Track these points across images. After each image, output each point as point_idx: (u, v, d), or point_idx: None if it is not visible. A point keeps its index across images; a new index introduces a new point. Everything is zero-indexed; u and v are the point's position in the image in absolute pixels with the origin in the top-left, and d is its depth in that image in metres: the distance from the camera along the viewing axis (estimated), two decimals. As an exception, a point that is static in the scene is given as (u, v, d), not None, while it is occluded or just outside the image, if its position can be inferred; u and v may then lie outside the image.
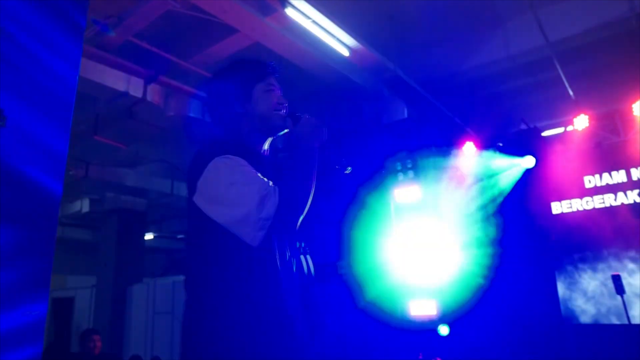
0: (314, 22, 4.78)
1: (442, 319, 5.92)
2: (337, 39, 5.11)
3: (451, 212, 6.35)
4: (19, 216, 2.39)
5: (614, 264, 5.35)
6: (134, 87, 5.44)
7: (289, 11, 4.57)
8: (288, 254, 1.60)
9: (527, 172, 6.08)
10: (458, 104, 6.90)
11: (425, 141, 6.47)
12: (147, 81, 5.43)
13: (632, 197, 5.48)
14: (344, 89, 6.38)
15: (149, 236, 11.93)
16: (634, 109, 5.48)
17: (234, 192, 1.46)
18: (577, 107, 6.47)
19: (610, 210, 5.58)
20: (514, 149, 6.14)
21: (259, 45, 5.50)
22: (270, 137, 1.74)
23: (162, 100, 5.78)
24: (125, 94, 5.43)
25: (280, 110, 1.71)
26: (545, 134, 6.20)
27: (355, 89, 6.27)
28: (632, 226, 5.15)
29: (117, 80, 5.31)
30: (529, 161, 6.09)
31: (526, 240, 5.88)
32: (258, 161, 1.59)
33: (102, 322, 10.65)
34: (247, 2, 4.71)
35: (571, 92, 6.43)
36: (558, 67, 6.07)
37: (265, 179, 1.49)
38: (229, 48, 5.84)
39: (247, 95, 1.71)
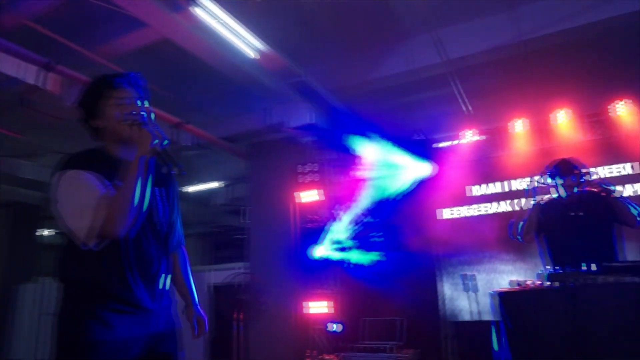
0: (221, 22, 4.82)
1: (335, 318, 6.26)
2: (245, 41, 5.18)
3: (349, 213, 6.66)
4: None
5: (488, 266, 5.90)
6: (29, 74, 5.17)
7: (196, 10, 4.59)
8: (143, 255, 1.77)
9: (420, 179, 6.51)
10: (366, 111, 7.21)
11: (330, 146, 6.74)
12: (44, 69, 5.18)
13: (503, 207, 6.10)
14: (254, 90, 6.47)
15: (44, 232, 11.25)
16: (510, 127, 6.05)
17: (66, 207, 1.65)
18: (471, 121, 7.02)
19: (488, 218, 6.13)
20: (411, 157, 6.55)
21: (168, 41, 5.46)
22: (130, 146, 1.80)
23: (62, 90, 5.53)
24: (18, 81, 5.15)
25: (128, 120, 1.78)
26: (439, 145, 6.66)
27: (264, 91, 6.38)
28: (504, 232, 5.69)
29: (9, 65, 5.02)
30: (423, 169, 6.52)
31: (414, 243, 6.31)
32: (116, 171, 1.73)
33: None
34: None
35: (464, 108, 6.95)
36: (453, 84, 6.53)
37: (99, 191, 1.65)
38: (137, 41, 5.73)
39: (97, 112, 1.85)
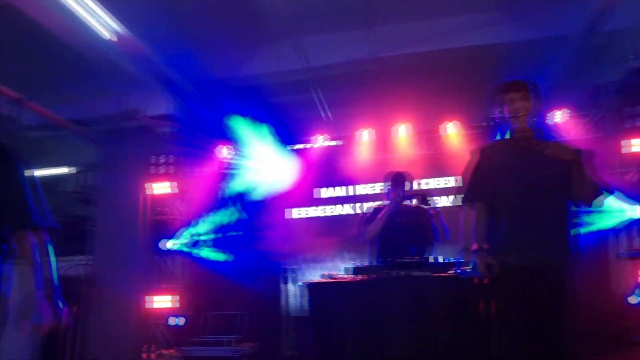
0: (72, -5, 4.57)
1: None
2: (99, 20, 4.95)
3: (206, 209, 6.67)
4: None
5: (331, 264, 6.28)
6: None
7: (42, -23, 4.30)
8: None
9: (273, 180, 6.75)
10: (230, 108, 7.24)
11: (189, 138, 6.68)
12: None
13: (347, 209, 6.58)
14: (110, 73, 6.17)
15: None
16: (357, 136, 6.54)
17: None
18: (329, 128, 7.40)
19: (333, 219, 6.55)
20: (267, 156, 6.75)
21: (12, 7, 5.02)
22: None
23: None
24: None
25: None
26: (294, 147, 6.94)
27: (122, 75, 6.12)
28: (346, 233, 6.13)
29: None
30: (277, 169, 6.76)
31: (263, 240, 6.53)
32: None
33: None
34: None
35: (323, 115, 7.31)
36: (313, 90, 6.85)
37: None
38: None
39: None
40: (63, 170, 10.05)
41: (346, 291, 2.99)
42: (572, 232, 2.34)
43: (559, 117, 5.95)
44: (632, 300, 5.42)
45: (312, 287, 3.12)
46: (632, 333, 5.45)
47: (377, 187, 6.45)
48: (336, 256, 6.30)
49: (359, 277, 3.05)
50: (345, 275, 3.18)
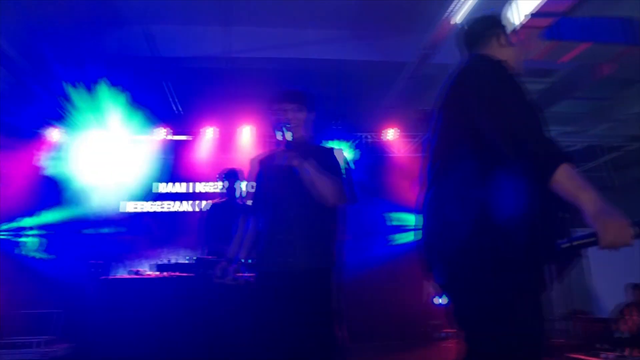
0: None
1: None
2: None
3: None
4: None
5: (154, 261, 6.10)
6: None
7: None
8: None
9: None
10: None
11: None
12: None
13: (186, 206, 6.45)
14: None
15: None
16: (202, 133, 6.47)
17: None
18: (178, 121, 7.18)
19: (171, 215, 6.36)
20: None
21: None
22: None
23: None
24: None
25: None
26: (136, 137, 6.61)
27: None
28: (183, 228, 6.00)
29: None
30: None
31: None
32: None
33: None
34: None
35: (174, 107, 7.07)
36: (164, 83, 6.61)
37: None
38: None
39: None
40: None
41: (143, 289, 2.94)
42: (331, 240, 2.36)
43: (390, 135, 6.48)
44: (437, 301, 6.15)
45: (101, 283, 3.01)
46: (437, 330, 6.19)
47: (218, 186, 6.42)
48: (170, 252, 6.10)
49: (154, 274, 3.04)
50: (150, 272, 3.13)
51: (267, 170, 2.47)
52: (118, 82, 7.08)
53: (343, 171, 2.47)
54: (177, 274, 3.08)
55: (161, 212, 6.42)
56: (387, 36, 6.56)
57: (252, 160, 2.60)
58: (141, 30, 5.92)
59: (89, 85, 7.09)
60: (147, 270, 3.36)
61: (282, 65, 6.63)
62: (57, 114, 6.47)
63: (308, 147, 2.45)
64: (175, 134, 6.63)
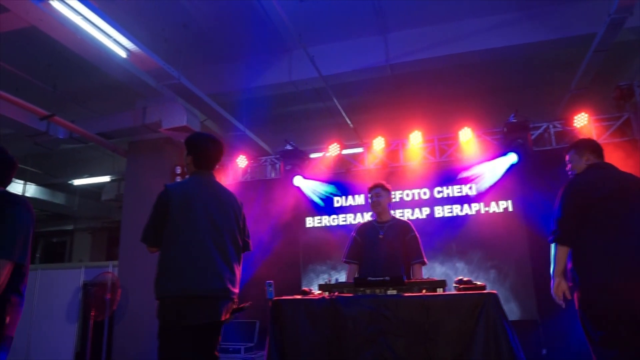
0: (84, 18, 4.78)
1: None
2: (112, 39, 5.16)
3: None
4: None
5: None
6: None
7: (54, 3, 4.54)
8: None
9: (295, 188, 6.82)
10: (248, 117, 7.39)
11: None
12: None
13: (359, 219, 6.50)
14: (131, 87, 6.43)
15: None
16: (372, 144, 6.47)
17: None
18: (348, 135, 7.39)
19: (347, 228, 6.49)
20: (284, 165, 6.81)
21: (37, 29, 5.32)
22: None
23: None
24: None
25: None
26: (310, 156, 6.94)
27: (142, 88, 6.36)
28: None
29: None
30: (296, 180, 6.79)
31: (285, 246, 6.63)
32: None
33: None
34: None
35: (349, 122, 7.29)
36: (334, 98, 6.85)
37: None
38: (3, 25, 5.53)
39: None
40: (105, 179, 10.60)
41: (306, 309, 2.95)
42: None
43: (579, 121, 5.64)
44: None
45: (273, 305, 3.11)
46: None
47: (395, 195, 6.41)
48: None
49: (319, 294, 3.04)
50: (316, 292, 3.16)
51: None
52: (286, 105, 7.62)
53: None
54: (342, 294, 3.05)
55: (340, 226, 6.60)
56: (563, 9, 5.77)
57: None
58: (303, 53, 6.24)
59: (264, 112, 7.78)
60: (314, 289, 3.39)
61: (443, 63, 6.32)
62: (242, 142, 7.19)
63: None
64: (347, 147, 6.78)
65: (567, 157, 3.11)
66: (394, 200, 6.24)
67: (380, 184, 4.09)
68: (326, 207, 6.71)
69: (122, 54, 5.42)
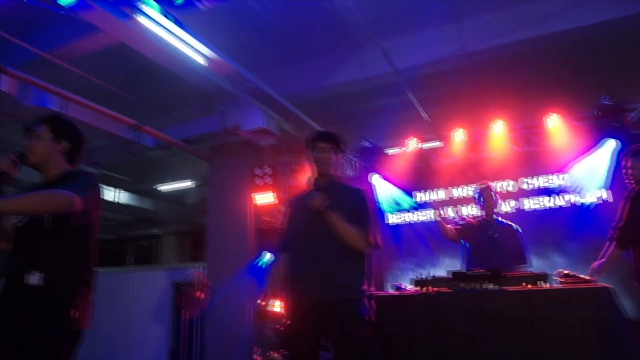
0: (166, 30, 5.01)
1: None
2: (192, 48, 5.36)
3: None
4: None
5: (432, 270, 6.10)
6: (-16, 75, 5.38)
7: (140, 18, 4.78)
8: None
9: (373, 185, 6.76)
10: (321, 116, 7.42)
11: (286, 149, 6.97)
12: (-1, 69, 5.38)
13: (451, 213, 6.29)
14: (211, 93, 6.67)
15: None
16: (452, 136, 6.26)
17: None
18: (423, 129, 7.22)
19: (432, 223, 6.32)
20: (361, 163, 6.77)
21: (124, 45, 5.64)
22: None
23: (19, 91, 5.74)
24: (-26, 81, 5.37)
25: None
26: (388, 152, 6.84)
27: (221, 94, 6.59)
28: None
29: (-35, 66, 5.23)
30: (373, 177, 6.73)
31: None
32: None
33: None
34: (105, 4, 4.84)
35: (426, 116, 7.13)
36: (408, 92, 6.73)
37: None
38: (94, 44, 5.89)
39: None
40: (187, 183, 11.09)
41: (403, 305, 2.88)
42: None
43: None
44: None
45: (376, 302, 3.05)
46: None
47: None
48: (434, 263, 6.10)
49: (416, 289, 2.95)
50: (409, 287, 3.09)
51: (298, 209, 2.76)
52: (361, 102, 7.56)
53: (370, 213, 2.65)
54: (436, 289, 2.98)
55: (422, 222, 6.46)
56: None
57: (285, 203, 2.92)
58: (377, 48, 6.16)
59: (337, 110, 7.76)
60: (407, 285, 3.35)
61: (523, 47, 6.00)
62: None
63: (338, 188, 2.70)
64: (425, 141, 6.63)
65: (628, 163, 3.13)
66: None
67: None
68: (407, 202, 6.59)
69: (202, 61, 5.63)
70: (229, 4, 5.42)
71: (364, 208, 2.66)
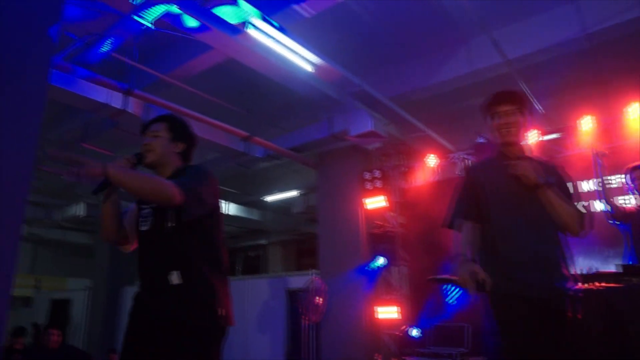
0: (275, 40, 5.13)
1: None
2: (300, 56, 5.45)
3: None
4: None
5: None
6: (115, 99, 5.85)
7: (251, 31, 4.94)
8: None
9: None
10: (426, 116, 7.22)
11: (393, 152, 6.85)
12: (126, 94, 5.82)
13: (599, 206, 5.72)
14: (317, 101, 6.74)
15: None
16: (578, 125, 5.76)
17: None
18: (541, 121, 6.75)
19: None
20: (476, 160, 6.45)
21: (234, 61, 5.88)
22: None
23: (143, 111, 6.17)
24: (106, 106, 5.85)
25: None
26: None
27: (327, 100, 6.64)
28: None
29: (99, 93, 5.72)
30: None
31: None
32: None
33: (95, 322, 11.09)
34: (216, 22, 5.07)
35: (539, 107, 6.68)
36: (521, 83, 6.34)
37: None
38: (206, 62, 6.23)
39: None
40: (293, 193, 11.33)
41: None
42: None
43: None
44: None
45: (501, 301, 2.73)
46: None
47: (612, 181, 5.60)
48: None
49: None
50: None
51: (491, 177, 2.29)
52: (469, 98, 7.24)
53: (571, 193, 2.25)
54: (603, 284, 2.69)
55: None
56: None
57: (462, 170, 2.45)
58: (484, 39, 5.88)
59: (443, 109, 7.50)
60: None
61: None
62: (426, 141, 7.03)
63: (534, 161, 2.25)
64: (545, 133, 6.17)
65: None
66: (612, 185, 5.50)
67: None
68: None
69: (309, 68, 5.69)
70: (329, 9, 5.42)
71: (565, 187, 2.25)
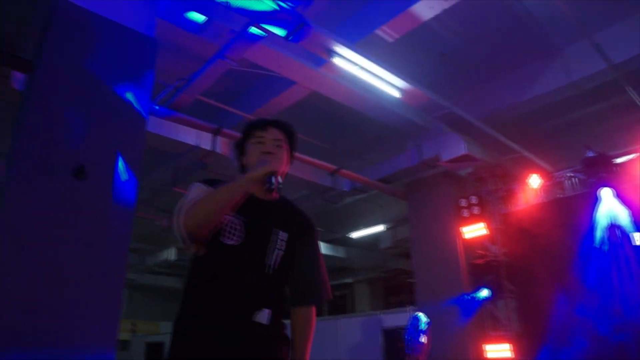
0: (362, 68, 4.99)
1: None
2: (387, 82, 5.27)
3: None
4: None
5: None
6: (204, 140, 5.95)
7: (336, 60, 4.84)
8: None
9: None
10: (519, 135, 6.75)
11: (489, 176, 6.41)
12: (215, 134, 5.91)
13: None
14: (403, 129, 6.52)
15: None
16: None
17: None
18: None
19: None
20: (586, 177, 5.88)
21: (317, 94, 5.83)
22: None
23: (231, 151, 6.23)
24: (196, 148, 5.96)
25: (265, 158, 1.78)
26: (618, 160, 5.83)
27: (413, 127, 6.40)
28: None
29: (188, 135, 5.85)
30: (604, 193, 5.77)
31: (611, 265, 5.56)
32: (249, 204, 1.77)
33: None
34: (300, 56, 5.05)
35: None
36: (629, 89, 5.78)
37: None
38: (288, 99, 6.21)
39: (241, 151, 1.94)
40: (379, 228, 11.00)
41: None
42: None
43: None
44: None
45: None
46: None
47: None
48: None
49: None
50: None
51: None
52: (568, 112, 6.70)
53: None
54: None
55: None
56: None
57: None
58: (584, 45, 5.43)
59: (538, 126, 6.98)
60: None
61: None
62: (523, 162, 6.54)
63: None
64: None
65: None
66: None
67: None
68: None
69: (396, 94, 5.50)
70: (412, 32, 5.23)
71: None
